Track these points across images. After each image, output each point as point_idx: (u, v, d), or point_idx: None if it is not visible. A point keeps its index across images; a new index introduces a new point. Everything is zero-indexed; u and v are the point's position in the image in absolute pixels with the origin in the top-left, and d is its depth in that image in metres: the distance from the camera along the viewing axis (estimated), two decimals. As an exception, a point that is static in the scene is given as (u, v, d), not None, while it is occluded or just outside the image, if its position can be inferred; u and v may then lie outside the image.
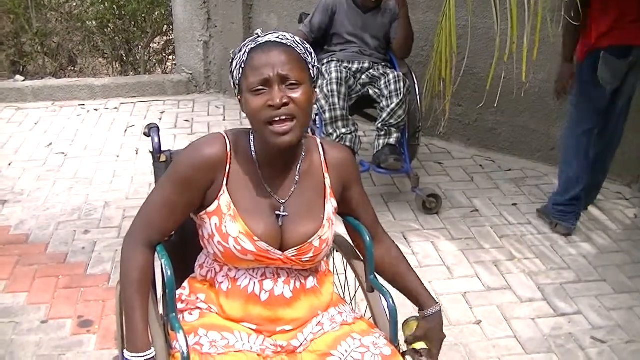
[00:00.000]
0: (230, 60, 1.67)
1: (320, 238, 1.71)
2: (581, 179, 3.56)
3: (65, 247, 3.43)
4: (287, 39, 1.63)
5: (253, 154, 1.69)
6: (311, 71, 1.66)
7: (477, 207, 3.95)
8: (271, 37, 1.62)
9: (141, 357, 1.58)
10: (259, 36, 1.64)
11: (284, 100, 1.56)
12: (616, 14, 3.24)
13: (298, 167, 1.72)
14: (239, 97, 1.66)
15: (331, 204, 1.75)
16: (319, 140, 1.79)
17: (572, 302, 3.07)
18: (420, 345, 1.76)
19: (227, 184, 1.66)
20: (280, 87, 1.57)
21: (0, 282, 3.12)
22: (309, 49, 1.66)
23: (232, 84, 1.68)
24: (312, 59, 1.66)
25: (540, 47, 2.54)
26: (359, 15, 3.94)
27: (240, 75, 1.62)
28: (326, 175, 1.76)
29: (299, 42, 1.65)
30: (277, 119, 1.57)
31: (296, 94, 1.58)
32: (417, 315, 1.81)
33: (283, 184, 1.71)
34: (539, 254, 3.46)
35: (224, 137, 1.69)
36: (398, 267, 1.87)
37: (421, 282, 1.85)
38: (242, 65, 1.61)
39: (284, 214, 1.69)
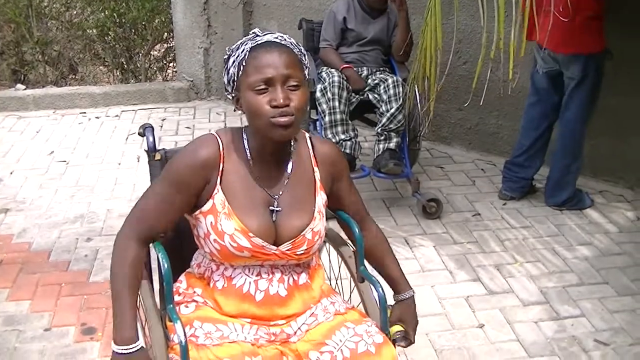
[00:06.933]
0: (226, 58, 1.70)
1: (312, 230, 1.75)
2: (522, 144, 4.00)
3: (68, 255, 3.43)
4: (285, 39, 1.68)
5: (247, 151, 1.73)
6: (306, 72, 1.71)
7: (478, 211, 3.95)
8: (270, 37, 1.66)
9: (128, 349, 1.60)
10: (257, 35, 1.68)
11: (287, 102, 1.61)
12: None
13: (289, 162, 1.77)
14: (233, 95, 1.69)
15: (321, 197, 1.80)
16: (307, 135, 1.84)
17: (575, 305, 3.06)
18: (395, 328, 1.83)
19: (220, 183, 1.70)
20: (282, 88, 1.62)
21: (3, 291, 3.12)
22: (302, 50, 1.72)
23: (225, 80, 1.70)
24: (306, 61, 1.71)
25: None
26: (368, 21, 3.95)
27: (241, 73, 1.65)
28: (315, 169, 1.80)
29: (295, 43, 1.70)
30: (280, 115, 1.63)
31: (296, 95, 1.63)
32: (389, 303, 1.90)
33: (275, 179, 1.75)
34: (541, 257, 3.46)
35: (217, 137, 1.73)
36: (383, 253, 1.95)
37: (400, 268, 1.95)
38: (243, 63, 1.64)
39: (277, 209, 1.73)
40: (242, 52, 1.65)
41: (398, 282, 1.92)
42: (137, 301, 1.67)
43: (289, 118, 1.62)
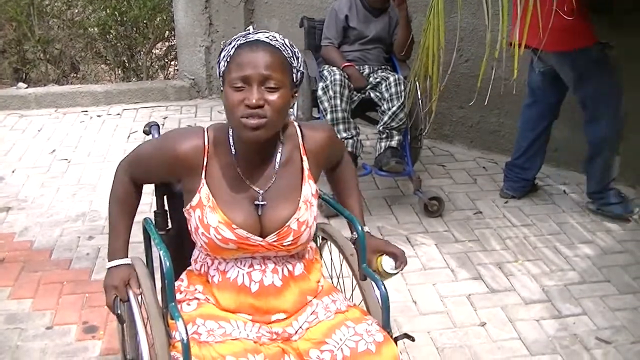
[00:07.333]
0: (220, 51, 1.72)
1: (297, 220, 1.75)
2: (520, 146, 3.99)
3: (70, 253, 3.44)
4: (277, 40, 1.67)
5: (232, 147, 1.74)
6: (294, 75, 1.70)
7: (480, 209, 3.95)
8: (261, 36, 1.67)
9: (118, 263, 1.85)
10: (249, 33, 1.69)
11: (260, 103, 1.61)
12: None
13: (277, 159, 1.77)
14: (222, 89, 1.70)
15: (309, 186, 1.79)
16: (296, 124, 1.83)
17: (577, 303, 3.06)
18: (380, 259, 1.87)
19: (205, 177, 1.72)
20: (259, 88, 1.62)
21: (5, 289, 3.13)
22: (296, 53, 1.71)
23: (217, 73, 1.72)
24: (297, 63, 1.71)
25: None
26: (370, 19, 3.96)
27: (224, 68, 1.67)
28: (304, 158, 1.80)
29: (288, 44, 1.69)
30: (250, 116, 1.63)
31: (273, 97, 1.63)
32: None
33: (262, 174, 1.76)
34: (542, 255, 3.46)
35: (204, 132, 1.75)
36: (346, 183, 2.02)
37: (360, 205, 2.00)
38: (228, 59, 1.66)
39: (262, 203, 1.74)
40: (231, 47, 1.67)
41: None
42: (131, 225, 1.90)
43: (259, 120, 1.62)
